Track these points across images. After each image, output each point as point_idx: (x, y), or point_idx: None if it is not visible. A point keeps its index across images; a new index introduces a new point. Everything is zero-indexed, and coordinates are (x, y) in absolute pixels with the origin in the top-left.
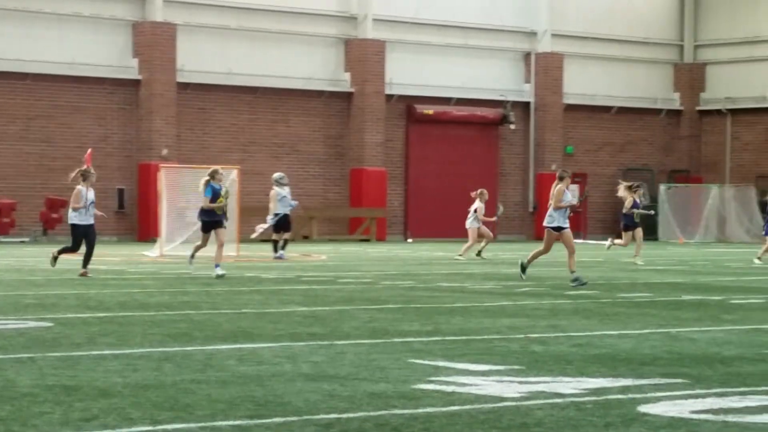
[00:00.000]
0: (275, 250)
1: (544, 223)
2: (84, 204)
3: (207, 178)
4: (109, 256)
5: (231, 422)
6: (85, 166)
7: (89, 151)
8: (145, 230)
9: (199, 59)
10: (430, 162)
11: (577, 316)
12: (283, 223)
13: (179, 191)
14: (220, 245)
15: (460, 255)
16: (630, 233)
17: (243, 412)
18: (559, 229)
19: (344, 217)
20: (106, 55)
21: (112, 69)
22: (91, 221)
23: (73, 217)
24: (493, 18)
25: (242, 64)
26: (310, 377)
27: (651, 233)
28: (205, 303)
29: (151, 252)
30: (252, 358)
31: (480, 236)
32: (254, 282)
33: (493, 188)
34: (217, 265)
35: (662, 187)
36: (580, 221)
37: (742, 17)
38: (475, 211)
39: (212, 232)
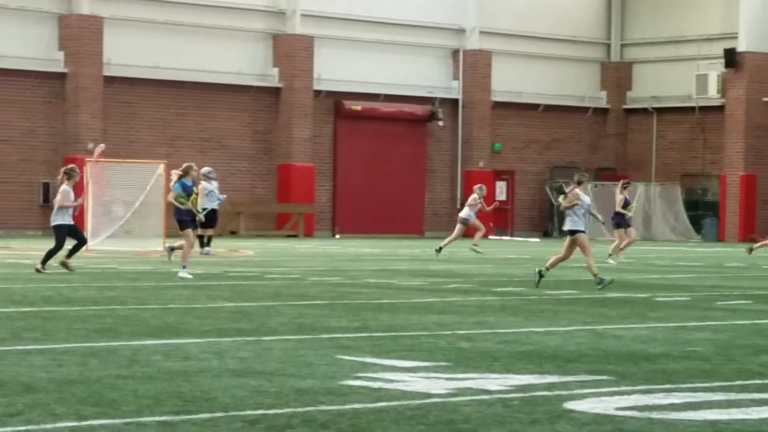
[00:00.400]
0: (201, 245)
1: (564, 228)
2: (72, 203)
3: (180, 173)
4: (34, 250)
5: (157, 418)
6: (70, 165)
7: (102, 147)
8: None
9: (126, 53)
10: (358, 158)
11: (504, 313)
12: (209, 219)
13: (105, 186)
14: (191, 246)
15: (443, 246)
16: (622, 230)
17: (169, 408)
18: (573, 232)
19: (272, 212)
20: (31, 47)
21: (38, 62)
22: (72, 221)
23: (60, 218)
24: (422, 15)
25: (169, 59)
26: (236, 373)
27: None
28: (131, 298)
29: None
30: (178, 353)
31: (473, 229)
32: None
33: (421, 184)
34: (184, 266)
35: (588, 185)
36: (507, 219)
37: (668, 17)
38: (472, 204)
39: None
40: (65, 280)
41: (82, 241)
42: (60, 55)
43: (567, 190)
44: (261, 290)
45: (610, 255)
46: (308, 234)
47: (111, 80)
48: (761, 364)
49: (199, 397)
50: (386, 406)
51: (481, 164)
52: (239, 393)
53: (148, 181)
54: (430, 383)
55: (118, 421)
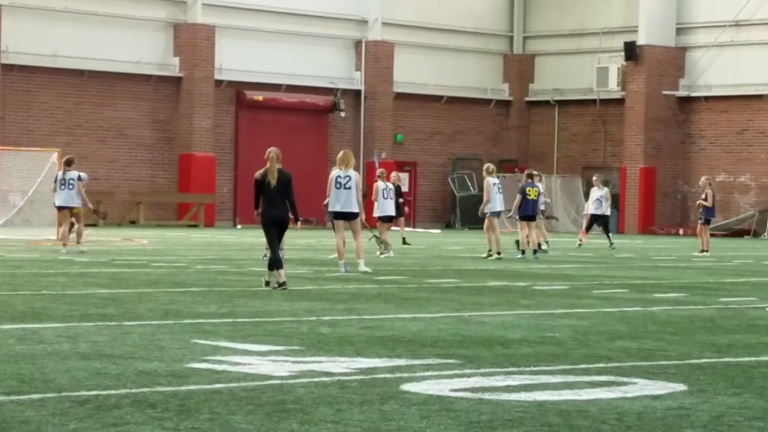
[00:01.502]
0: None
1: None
2: None
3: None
4: None
5: None
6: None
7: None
8: None
9: (25, 41)
10: (260, 148)
11: (377, 300)
12: None
13: (1, 174)
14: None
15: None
16: (707, 226)
17: (2, 389)
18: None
19: (172, 202)
20: None
21: None
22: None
23: None
24: (324, 5)
25: (69, 47)
26: (85, 356)
27: (479, 222)
28: (6, 285)
29: None
30: (33, 337)
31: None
32: (65, 264)
33: (324, 175)
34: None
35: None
36: (409, 210)
37: (570, 10)
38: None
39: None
40: None
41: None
42: None
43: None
44: (141, 278)
45: (704, 251)
46: (209, 224)
47: (9, 68)
48: (612, 349)
49: (37, 378)
50: (222, 388)
51: (383, 155)
52: (79, 375)
53: (43, 170)
54: (276, 366)
55: None
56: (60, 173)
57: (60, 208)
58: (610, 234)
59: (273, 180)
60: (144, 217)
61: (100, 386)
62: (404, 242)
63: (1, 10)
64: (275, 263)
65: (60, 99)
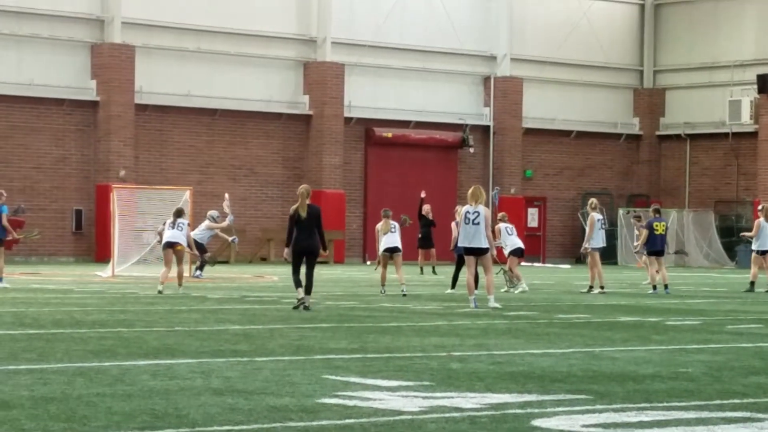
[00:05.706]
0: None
1: None
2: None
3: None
4: (62, 275)
5: None
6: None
7: None
8: (102, 251)
9: (158, 81)
10: (389, 185)
11: (507, 336)
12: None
13: (136, 212)
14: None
15: None
16: None
17: (137, 424)
18: None
19: None
20: (64, 76)
21: (71, 90)
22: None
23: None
24: (453, 42)
25: (201, 86)
26: (217, 392)
27: (610, 257)
28: (140, 321)
29: (104, 272)
30: (166, 373)
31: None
32: (198, 301)
33: (452, 211)
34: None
35: (621, 212)
36: (539, 245)
37: (701, 43)
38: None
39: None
40: (81, 304)
41: None
42: (92, 84)
43: None
44: (272, 314)
45: None
46: (339, 260)
47: (143, 108)
48: (747, 385)
49: (170, 413)
50: (353, 423)
51: (512, 191)
52: (212, 410)
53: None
54: (406, 401)
55: None
56: (170, 220)
57: (166, 245)
58: None
59: (303, 213)
60: (275, 254)
61: (233, 421)
62: (433, 272)
63: (135, 51)
64: (298, 283)
65: (192, 138)
